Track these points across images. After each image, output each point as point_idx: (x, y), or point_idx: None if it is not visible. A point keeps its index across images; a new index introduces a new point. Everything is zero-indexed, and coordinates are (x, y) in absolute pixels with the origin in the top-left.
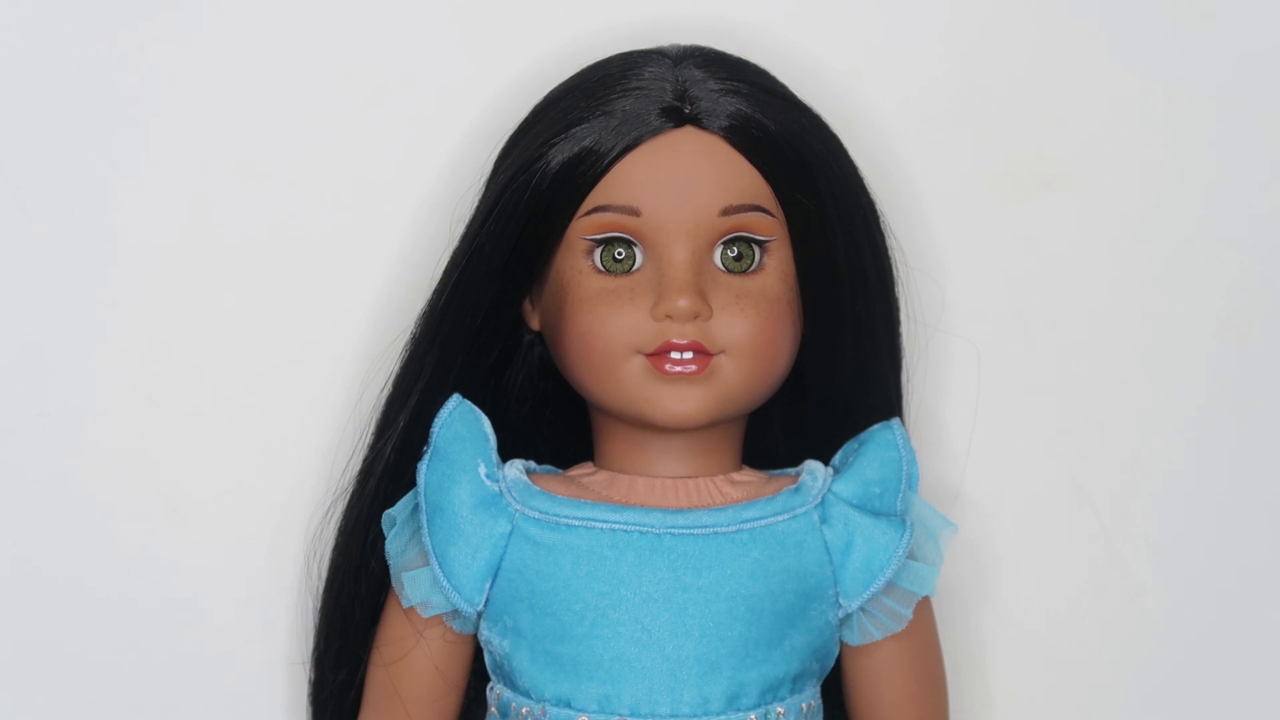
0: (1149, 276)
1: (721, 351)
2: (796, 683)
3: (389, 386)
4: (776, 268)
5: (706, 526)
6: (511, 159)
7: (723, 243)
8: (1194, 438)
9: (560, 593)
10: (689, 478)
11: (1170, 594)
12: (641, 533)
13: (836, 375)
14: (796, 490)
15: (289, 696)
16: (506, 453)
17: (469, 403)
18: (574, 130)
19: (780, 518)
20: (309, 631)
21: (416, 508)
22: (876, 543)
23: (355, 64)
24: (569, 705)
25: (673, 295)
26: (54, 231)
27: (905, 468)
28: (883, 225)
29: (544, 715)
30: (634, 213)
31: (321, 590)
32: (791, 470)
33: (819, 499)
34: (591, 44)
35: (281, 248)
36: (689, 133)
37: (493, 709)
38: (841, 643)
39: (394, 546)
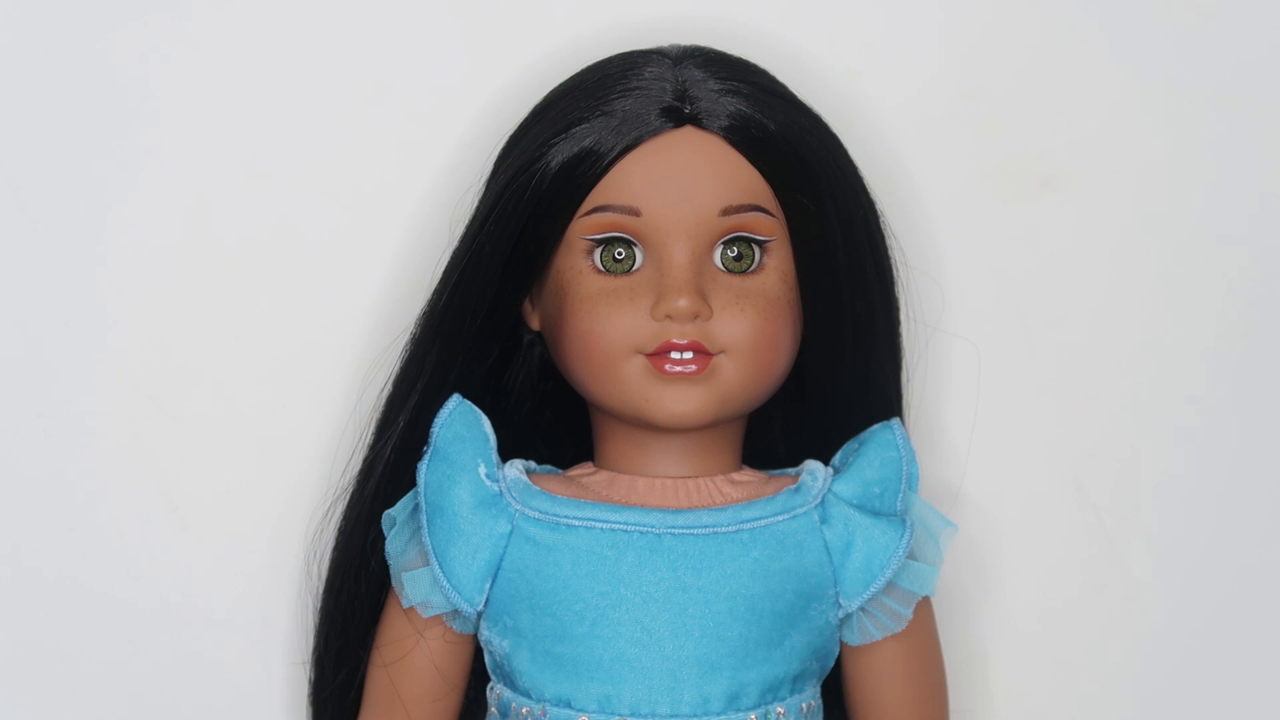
0: (1149, 276)
1: (721, 351)
2: (796, 683)
3: (389, 386)
4: (776, 268)
5: (706, 526)
6: (511, 159)
7: (723, 243)
8: (1194, 438)
9: (560, 593)
10: (689, 478)
11: (1170, 594)
12: (641, 533)
13: (836, 375)
14: (796, 490)
15: (289, 696)
16: (506, 453)
17: (469, 403)
18: (574, 130)
19: (780, 518)
20: (309, 631)
21: (416, 508)
22: (876, 543)
23: (355, 64)
24: (569, 705)
25: (673, 295)
26: (54, 231)
27: (905, 468)
28: (883, 225)
29: (544, 715)
30: (634, 213)
31: (322, 590)
32: (791, 470)
33: (819, 499)
34: (591, 44)
35: (281, 248)
36: (689, 133)
37: (493, 709)
38: (841, 643)
39: (394, 546)
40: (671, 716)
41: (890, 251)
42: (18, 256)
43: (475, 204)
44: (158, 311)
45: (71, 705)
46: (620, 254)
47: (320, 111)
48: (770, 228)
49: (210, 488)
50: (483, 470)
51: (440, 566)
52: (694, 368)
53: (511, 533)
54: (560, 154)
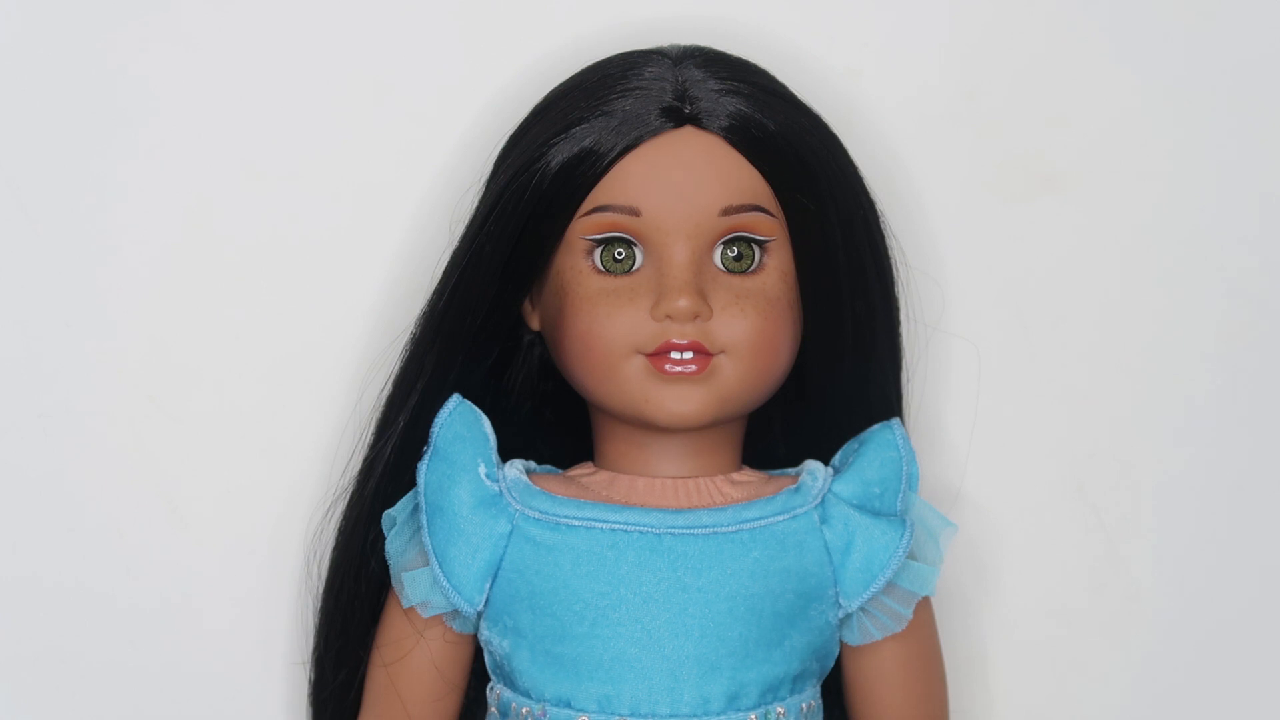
0: (1149, 276)
1: (721, 351)
2: (796, 683)
3: (389, 386)
4: (776, 267)
5: (706, 526)
6: (511, 159)
7: (723, 243)
8: (1194, 438)
9: (560, 593)
10: (689, 478)
11: (1170, 595)
12: (641, 533)
13: (836, 375)
14: (796, 490)
15: (289, 697)
16: (506, 453)
17: (469, 403)
18: (574, 130)
19: (780, 518)
20: (309, 631)
21: (416, 508)
22: (876, 543)
23: (355, 64)
24: (569, 705)
25: (673, 295)
26: (54, 231)
27: (905, 468)
28: (883, 225)
29: (544, 715)
30: (634, 213)
31: (321, 590)
32: (791, 470)
33: (819, 499)
34: (591, 44)
35: (281, 248)
36: (689, 133)
37: (493, 709)
38: (841, 643)
39: (394, 546)
40: (671, 716)
41: (890, 251)
42: (18, 256)
43: (475, 204)
44: (158, 311)
45: (71, 705)
46: (620, 254)
47: (320, 111)
48: (770, 228)
49: (210, 488)
50: (483, 470)
51: (440, 566)
52: (694, 368)
53: (511, 533)
54: (560, 154)
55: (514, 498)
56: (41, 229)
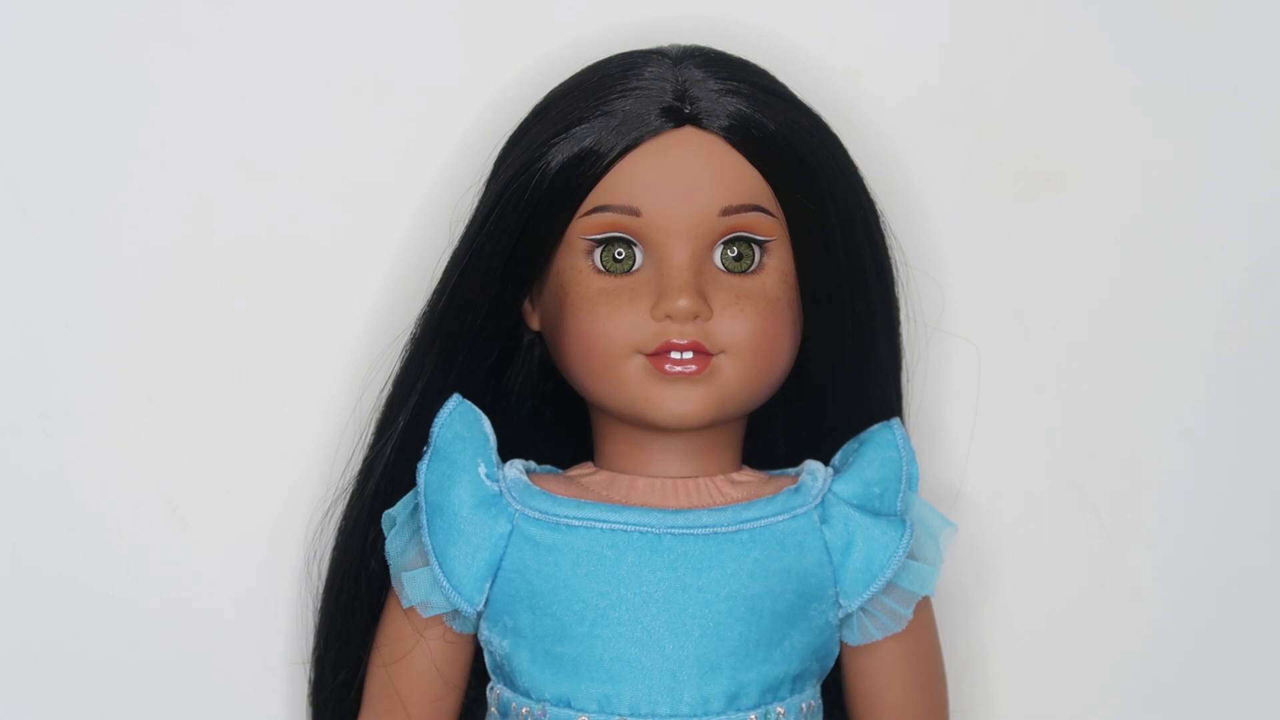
0: (1149, 276)
1: (721, 351)
2: (796, 683)
3: (389, 386)
4: (776, 267)
5: (706, 526)
6: (511, 159)
7: (723, 243)
8: (1194, 438)
9: (560, 593)
10: (689, 478)
11: (1170, 594)
12: (641, 533)
13: (836, 375)
14: (796, 490)
15: (289, 696)
16: (506, 453)
17: (469, 403)
18: (574, 130)
19: (780, 518)
20: (309, 631)
21: (416, 508)
22: (876, 543)
23: (355, 64)
24: (569, 705)
25: (673, 295)
26: (54, 231)
27: (905, 468)
28: (883, 225)
29: (544, 715)
30: (634, 213)
31: (321, 590)
32: (791, 470)
33: (819, 499)
34: (591, 44)
35: (281, 248)
36: (689, 133)
37: (493, 709)
38: (841, 643)
39: (394, 546)
40: (671, 716)
41: (890, 251)
42: (18, 256)
43: (475, 204)
44: (158, 311)
45: (71, 706)
46: (620, 254)
47: (320, 111)
48: (770, 228)
49: (210, 488)
50: (483, 470)
51: (440, 566)
52: (694, 368)
53: (511, 533)
54: (560, 154)
55: (514, 498)
56: (41, 229)
